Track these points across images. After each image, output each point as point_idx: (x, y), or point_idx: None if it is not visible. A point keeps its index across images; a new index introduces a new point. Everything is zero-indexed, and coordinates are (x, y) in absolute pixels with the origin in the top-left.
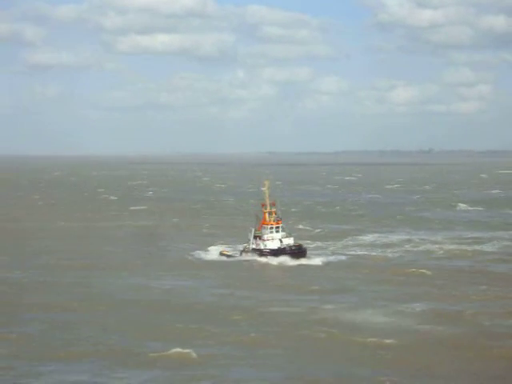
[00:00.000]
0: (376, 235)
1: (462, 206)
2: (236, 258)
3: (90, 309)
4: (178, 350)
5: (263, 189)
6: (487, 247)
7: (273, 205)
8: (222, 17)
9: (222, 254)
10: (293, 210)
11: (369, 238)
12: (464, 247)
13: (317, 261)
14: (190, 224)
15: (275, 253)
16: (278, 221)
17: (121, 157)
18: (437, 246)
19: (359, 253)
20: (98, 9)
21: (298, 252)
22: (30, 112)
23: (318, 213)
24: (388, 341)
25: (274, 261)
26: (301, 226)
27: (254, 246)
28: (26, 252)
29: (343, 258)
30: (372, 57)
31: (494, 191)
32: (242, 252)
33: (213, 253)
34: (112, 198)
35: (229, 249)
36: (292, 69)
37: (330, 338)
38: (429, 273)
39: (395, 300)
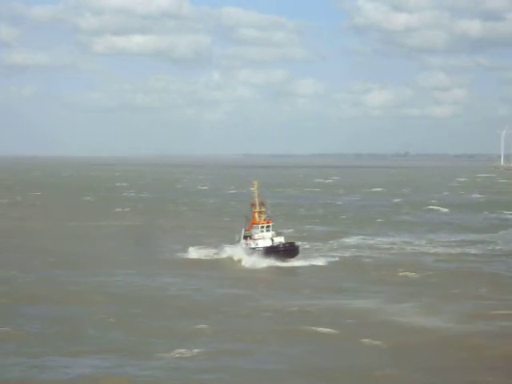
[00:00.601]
0: (360, 237)
1: (443, 209)
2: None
3: (88, 305)
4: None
5: (252, 189)
6: (472, 249)
7: (262, 205)
8: (197, 18)
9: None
10: (275, 213)
11: (353, 240)
12: (449, 250)
13: (306, 263)
14: (176, 225)
15: (268, 250)
16: (268, 220)
17: (96, 157)
18: (422, 248)
19: (346, 255)
20: (73, 9)
21: (291, 249)
22: (5, 112)
23: (301, 215)
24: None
25: (263, 262)
26: (284, 230)
27: (244, 246)
28: (10, 252)
29: (334, 259)
30: (348, 60)
31: (473, 195)
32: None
33: (195, 253)
34: (90, 198)
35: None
36: (268, 71)
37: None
38: (419, 274)
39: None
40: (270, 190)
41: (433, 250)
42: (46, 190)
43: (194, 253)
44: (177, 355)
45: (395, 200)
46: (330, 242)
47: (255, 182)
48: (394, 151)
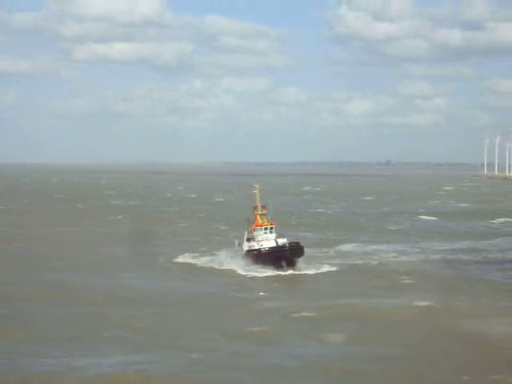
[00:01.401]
0: (355, 245)
1: (433, 218)
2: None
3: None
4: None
5: (254, 192)
6: (468, 256)
7: (264, 207)
8: (179, 26)
9: None
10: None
11: (349, 247)
12: (445, 257)
13: (309, 271)
14: (170, 232)
15: (274, 251)
16: (271, 222)
17: (79, 165)
18: (417, 256)
19: (346, 262)
20: (55, 17)
21: (297, 248)
22: None
23: (292, 224)
24: None
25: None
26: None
27: (247, 248)
28: (14, 257)
29: (334, 268)
30: (330, 68)
31: (461, 204)
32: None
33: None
34: (81, 206)
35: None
36: (250, 79)
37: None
38: (423, 280)
39: None
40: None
41: (430, 258)
42: (35, 198)
43: (196, 259)
44: (194, 354)
45: (385, 209)
46: (326, 249)
47: (257, 186)
48: (376, 160)
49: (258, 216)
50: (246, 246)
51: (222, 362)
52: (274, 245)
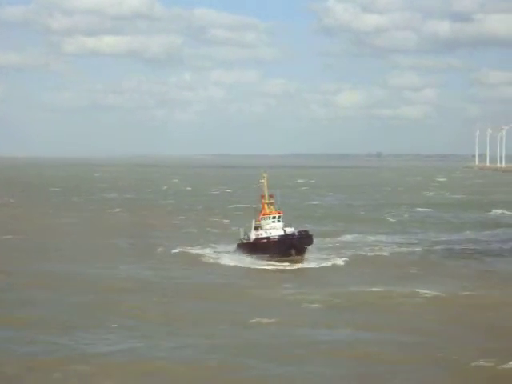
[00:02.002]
0: (355, 235)
1: (430, 209)
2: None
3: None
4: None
5: (262, 181)
6: (471, 247)
7: (271, 196)
8: (169, 19)
9: None
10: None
11: (349, 238)
12: (449, 246)
13: (313, 264)
14: (171, 224)
15: (284, 239)
16: (278, 211)
17: (69, 158)
18: (421, 246)
19: (352, 253)
20: (44, 10)
21: (307, 237)
22: None
23: (291, 216)
24: None
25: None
26: None
27: (254, 237)
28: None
29: (339, 258)
30: (319, 60)
31: (456, 195)
32: (238, 246)
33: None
34: (75, 199)
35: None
36: (239, 71)
37: None
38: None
39: None
40: (256, 192)
41: (433, 248)
42: (31, 191)
43: (196, 250)
44: (204, 339)
45: (380, 200)
46: (328, 239)
47: (265, 175)
48: (367, 151)
49: (266, 205)
50: (253, 235)
51: (233, 351)
52: (282, 233)
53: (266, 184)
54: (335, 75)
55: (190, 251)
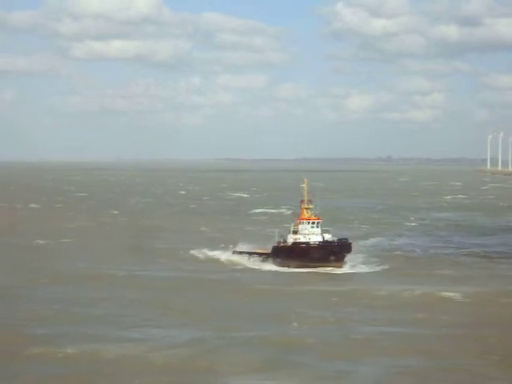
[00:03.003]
0: (382, 239)
1: (451, 213)
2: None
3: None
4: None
5: (302, 185)
6: (502, 251)
7: (310, 202)
8: (177, 23)
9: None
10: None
11: (376, 241)
12: (479, 250)
13: (350, 268)
14: (199, 229)
15: (324, 245)
16: (318, 217)
17: (77, 163)
18: (451, 249)
19: (386, 255)
20: (53, 14)
21: (346, 245)
22: None
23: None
24: None
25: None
26: None
27: (292, 241)
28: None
29: (376, 260)
30: (327, 64)
31: (476, 200)
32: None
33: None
34: (100, 204)
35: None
36: (248, 76)
37: None
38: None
39: None
40: (272, 195)
41: (464, 251)
42: (60, 196)
43: (220, 253)
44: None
45: (398, 204)
46: (361, 242)
47: (305, 180)
48: (376, 155)
49: (305, 210)
50: (291, 239)
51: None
52: (321, 239)
53: (305, 189)
54: (344, 79)
55: (222, 255)
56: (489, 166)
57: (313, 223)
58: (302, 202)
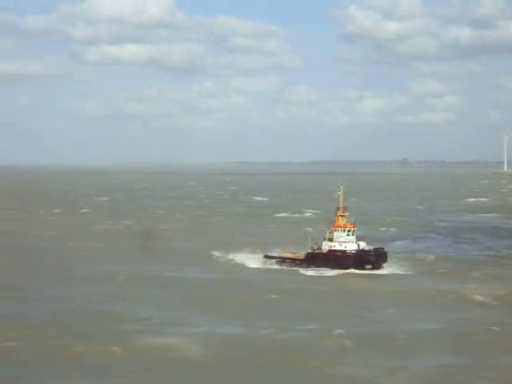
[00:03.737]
0: (407, 241)
1: (473, 215)
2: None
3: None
4: None
5: (338, 193)
6: None
7: (345, 209)
8: (190, 27)
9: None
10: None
11: (403, 244)
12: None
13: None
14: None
15: (362, 254)
16: (353, 224)
17: (92, 166)
18: (477, 251)
19: (416, 257)
20: (67, 19)
21: (382, 254)
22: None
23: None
24: None
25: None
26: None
27: (327, 248)
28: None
29: (408, 263)
30: (340, 67)
31: (500, 202)
32: (309, 255)
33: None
34: (115, 207)
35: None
36: (261, 79)
37: None
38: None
39: None
40: (298, 197)
41: (487, 252)
42: (85, 200)
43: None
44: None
45: (420, 206)
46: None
47: (341, 187)
48: (391, 158)
49: (340, 217)
50: (326, 246)
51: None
52: (356, 247)
53: (341, 196)
54: (357, 82)
55: (253, 259)
56: (506, 168)
57: (348, 231)
58: (338, 209)
